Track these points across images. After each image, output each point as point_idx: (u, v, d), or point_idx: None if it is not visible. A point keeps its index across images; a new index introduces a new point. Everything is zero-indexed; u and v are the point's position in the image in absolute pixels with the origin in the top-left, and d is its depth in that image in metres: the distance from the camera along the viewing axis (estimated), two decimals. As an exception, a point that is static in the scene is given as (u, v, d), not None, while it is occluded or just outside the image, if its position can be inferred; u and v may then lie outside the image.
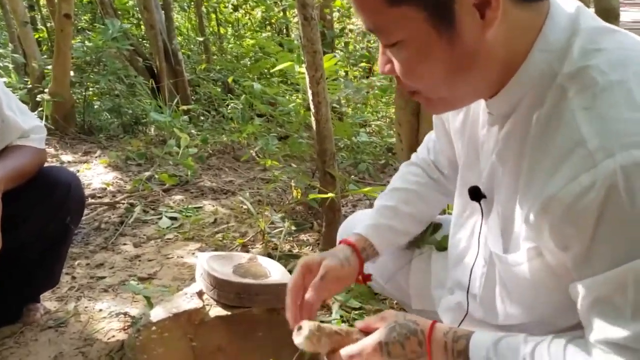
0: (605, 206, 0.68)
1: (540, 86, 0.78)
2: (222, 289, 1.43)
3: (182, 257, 2.25)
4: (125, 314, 1.80)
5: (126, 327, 1.76)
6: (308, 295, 1.08)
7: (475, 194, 0.96)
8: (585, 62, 0.74)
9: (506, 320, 0.97)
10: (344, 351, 0.96)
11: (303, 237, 2.42)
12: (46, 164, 1.66)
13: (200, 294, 1.47)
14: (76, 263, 2.17)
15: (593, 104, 0.72)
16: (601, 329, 0.74)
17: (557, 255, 0.78)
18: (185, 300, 1.43)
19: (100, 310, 1.86)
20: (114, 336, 1.72)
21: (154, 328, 1.33)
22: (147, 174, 3.15)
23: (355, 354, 0.94)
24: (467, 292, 1.05)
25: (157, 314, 1.37)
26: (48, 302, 1.89)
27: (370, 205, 2.82)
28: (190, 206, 2.78)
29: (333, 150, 2.14)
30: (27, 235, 1.55)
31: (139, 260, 2.23)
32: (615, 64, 0.73)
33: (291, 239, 2.35)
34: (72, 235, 1.74)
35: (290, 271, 1.60)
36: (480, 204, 0.96)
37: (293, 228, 2.37)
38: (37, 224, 1.58)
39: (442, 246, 1.25)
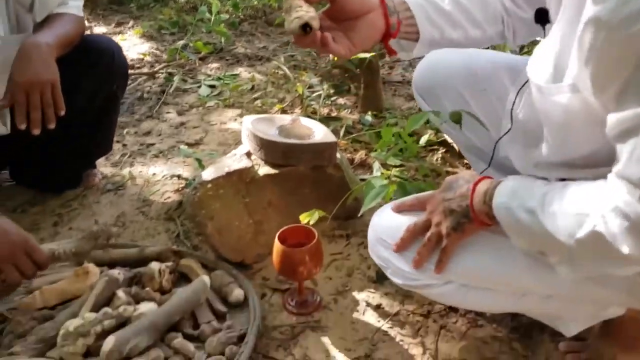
0: None
1: None
2: (269, 149, 1.49)
3: (224, 123, 2.32)
4: (178, 176, 1.91)
5: (180, 189, 1.87)
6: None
7: (541, 16, 0.95)
8: None
9: (544, 157, 1.01)
10: (411, 199, 1.10)
11: (340, 100, 2.45)
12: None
13: (248, 155, 1.54)
14: (125, 131, 2.26)
15: None
16: (619, 162, 0.77)
17: (595, 88, 0.78)
18: (235, 161, 1.50)
19: (154, 174, 1.97)
20: (169, 197, 1.84)
21: (209, 186, 1.42)
22: (181, 42, 3.14)
23: (414, 203, 1.07)
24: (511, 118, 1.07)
25: (211, 173, 1.45)
26: (104, 168, 2.01)
27: (410, 65, 2.80)
28: (227, 74, 2.80)
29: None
30: (78, 104, 1.61)
31: (184, 128, 2.31)
32: None
33: (329, 102, 2.38)
34: (119, 101, 1.81)
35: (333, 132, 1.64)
36: (544, 29, 0.96)
37: (331, 91, 2.39)
38: (87, 92, 1.64)
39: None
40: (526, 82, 1.05)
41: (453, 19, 1.16)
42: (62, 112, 1.45)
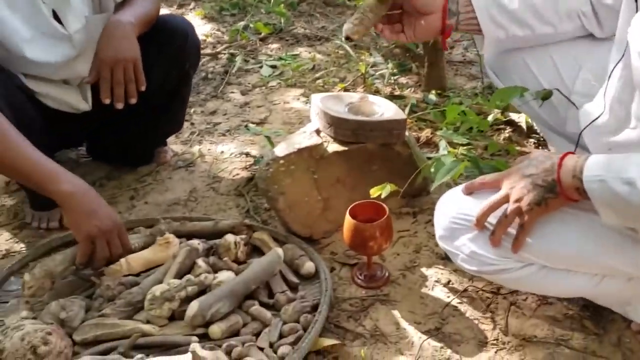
0: None
1: None
2: (339, 126, 1.52)
3: (287, 102, 2.36)
4: (246, 154, 1.97)
5: (247, 166, 1.93)
6: None
7: None
8: None
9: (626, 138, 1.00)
10: (480, 179, 1.12)
11: (402, 79, 2.45)
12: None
13: (317, 132, 1.57)
14: (192, 110, 2.33)
15: None
16: None
17: None
18: (305, 138, 1.54)
19: (222, 152, 2.04)
20: (237, 174, 1.90)
21: (281, 162, 1.46)
22: (242, 23, 3.18)
23: (487, 182, 1.09)
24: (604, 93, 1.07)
25: (283, 149, 1.49)
26: (174, 145, 2.08)
27: (472, 45, 2.76)
28: (287, 54, 2.83)
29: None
30: (152, 83, 1.66)
31: (249, 107, 2.36)
32: None
33: (392, 81, 2.38)
34: (191, 80, 1.87)
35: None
36: (636, 3, 0.95)
37: (395, 70, 2.39)
38: (161, 71, 1.69)
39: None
40: (620, 59, 1.03)
41: (518, 17, 1.21)
42: (143, 88, 1.52)
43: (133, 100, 1.52)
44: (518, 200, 1.04)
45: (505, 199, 1.07)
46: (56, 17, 1.53)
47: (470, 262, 1.15)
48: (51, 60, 1.53)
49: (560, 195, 1.00)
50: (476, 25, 1.24)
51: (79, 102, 1.65)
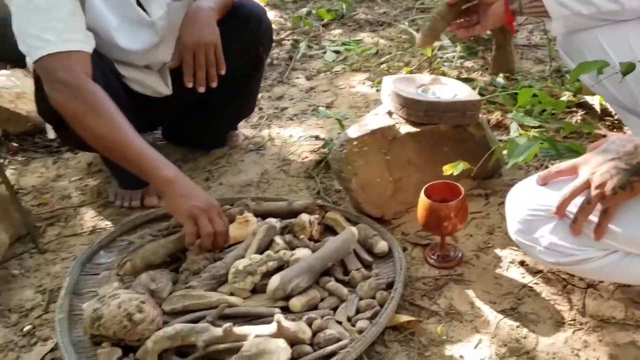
0: None
1: None
2: (411, 107, 1.53)
3: (353, 87, 2.38)
4: (316, 137, 2.01)
5: (317, 149, 1.96)
6: None
7: None
8: None
9: None
10: (555, 167, 1.12)
11: (468, 63, 2.43)
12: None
13: (389, 114, 1.59)
14: (259, 96, 2.38)
15: None
16: None
17: None
18: (377, 119, 1.56)
19: (291, 135, 2.08)
20: (307, 157, 1.94)
21: (355, 143, 1.49)
22: (304, 10, 3.22)
23: (563, 169, 1.10)
24: None
25: (355, 131, 1.52)
26: (244, 129, 2.14)
27: (537, 29, 2.71)
28: (350, 39, 2.85)
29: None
30: (228, 67, 1.71)
31: (314, 92, 2.39)
32: None
33: (458, 65, 2.37)
34: (264, 65, 1.92)
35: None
36: None
37: (463, 53, 2.37)
38: (235, 55, 1.72)
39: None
40: None
41: None
42: (224, 71, 1.58)
43: (214, 84, 1.58)
44: (601, 186, 1.01)
45: (586, 185, 1.04)
46: (139, 5, 1.60)
47: (549, 254, 1.14)
48: (137, 47, 1.61)
49: None
50: (540, 7, 1.27)
51: (160, 86, 1.72)
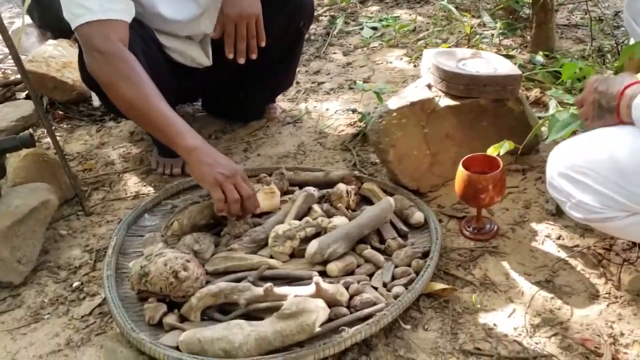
0: None
1: None
2: (452, 80, 1.54)
3: (390, 62, 2.39)
4: (353, 110, 2.02)
5: (353, 123, 1.98)
6: None
7: None
8: None
9: None
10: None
11: (506, 42, 2.40)
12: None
13: (429, 87, 1.60)
14: (297, 70, 2.41)
15: None
16: None
17: None
18: (417, 92, 1.57)
19: (327, 109, 2.11)
20: (343, 130, 1.96)
21: (394, 114, 1.51)
22: (342, -14, 3.22)
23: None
24: None
25: (395, 103, 1.53)
26: (281, 102, 2.17)
27: (576, 9, 2.66)
28: (388, 15, 2.84)
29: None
30: (268, 40, 1.74)
31: (351, 67, 2.41)
32: None
33: (497, 41, 2.35)
34: (304, 39, 1.94)
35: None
36: None
37: (503, 30, 2.35)
38: (277, 28, 1.75)
39: None
40: None
41: None
42: (264, 44, 1.60)
43: (254, 56, 1.61)
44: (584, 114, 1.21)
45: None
46: (183, -24, 1.63)
47: (577, 209, 1.17)
48: (180, 18, 1.65)
49: (616, 117, 1.13)
50: None
51: (201, 57, 1.76)
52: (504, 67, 1.54)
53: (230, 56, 1.60)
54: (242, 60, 1.60)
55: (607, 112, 1.15)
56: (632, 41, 1.39)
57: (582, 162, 1.14)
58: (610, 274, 1.29)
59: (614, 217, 1.13)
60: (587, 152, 1.15)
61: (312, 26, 2.85)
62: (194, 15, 1.68)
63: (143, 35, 1.57)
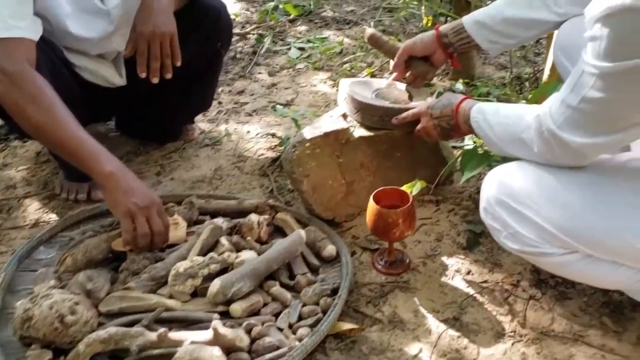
0: None
1: None
2: (366, 112, 1.52)
3: (314, 85, 2.36)
4: (272, 135, 1.98)
5: (273, 147, 1.94)
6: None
7: None
8: None
9: None
10: (399, 117, 1.47)
11: (430, 66, 2.43)
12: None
13: (344, 116, 1.57)
14: (219, 90, 2.34)
15: None
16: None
17: None
18: (332, 122, 1.54)
19: (248, 131, 2.05)
20: (262, 154, 1.92)
21: (307, 144, 1.47)
22: (271, 4, 3.17)
23: (408, 116, 1.45)
24: None
25: (309, 132, 1.50)
26: (201, 123, 2.10)
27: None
28: (315, 37, 2.83)
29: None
30: (184, 59, 1.64)
31: (276, 88, 2.36)
32: None
33: (420, 68, 2.36)
34: (222, 60, 1.88)
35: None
36: None
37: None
38: (192, 48, 1.68)
39: None
40: None
41: (507, 33, 1.43)
42: (179, 63, 1.54)
43: (168, 75, 1.54)
44: (428, 134, 1.42)
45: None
46: (96, -8, 1.55)
47: (513, 240, 1.16)
48: (91, 36, 1.56)
49: (459, 133, 1.35)
50: (470, 45, 1.48)
51: (113, 76, 1.67)
52: (417, 99, 1.53)
53: (143, 75, 1.52)
54: (155, 80, 1.53)
55: (450, 130, 1.35)
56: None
57: (523, 191, 1.13)
58: (516, 311, 1.29)
59: (551, 253, 1.13)
60: (530, 182, 1.14)
61: (239, 44, 2.80)
62: (105, 32, 1.59)
63: (50, 55, 1.47)
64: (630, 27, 0.89)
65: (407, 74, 1.62)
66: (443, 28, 1.50)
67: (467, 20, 1.46)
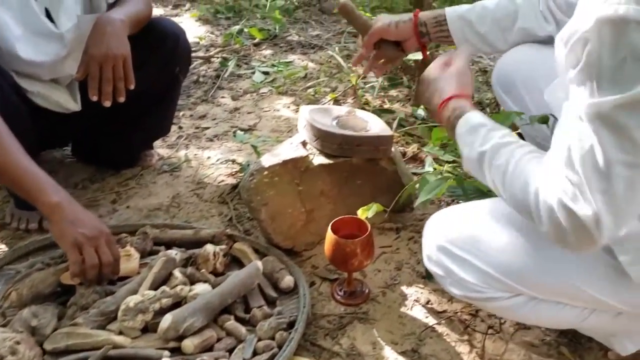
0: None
1: None
2: (326, 139, 1.51)
3: (277, 110, 2.34)
4: (232, 161, 1.95)
5: (233, 173, 1.91)
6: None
7: None
8: None
9: None
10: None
11: (393, 92, 2.44)
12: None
13: (304, 144, 1.56)
14: (181, 114, 2.31)
15: None
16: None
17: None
18: (291, 149, 1.52)
19: (208, 157, 2.02)
20: (223, 181, 1.88)
21: (265, 172, 1.45)
22: (236, 27, 3.17)
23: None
24: None
25: (267, 160, 1.48)
26: (160, 149, 2.06)
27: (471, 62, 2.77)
28: (280, 61, 2.82)
29: None
30: (141, 85, 1.60)
31: (238, 113, 2.34)
32: None
33: (382, 94, 2.38)
34: (180, 85, 1.85)
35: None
36: None
37: (386, 83, 2.38)
38: (150, 73, 1.65)
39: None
40: None
41: (487, 40, 1.37)
42: (132, 86, 1.50)
43: (121, 99, 1.50)
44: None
45: None
46: (48, 15, 1.51)
47: (458, 287, 1.12)
48: (42, 60, 1.52)
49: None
50: (446, 40, 1.41)
51: (67, 101, 1.63)
52: (377, 127, 1.53)
53: (94, 98, 1.47)
54: (107, 104, 1.49)
55: (432, 112, 1.19)
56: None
57: (463, 237, 1.09)
58: (475, 341, 1.28)
59: (496, 298, 1.09)
60: (469, 226, 1.10)
61: (203, 67, 2.78)
62: (57, 56, 1.56)
63: (-2, 80, 1.43)
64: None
65: (373, 54, 1.47)
66: (422, 15, 1.40)
67: (450, 13, 1.37)
